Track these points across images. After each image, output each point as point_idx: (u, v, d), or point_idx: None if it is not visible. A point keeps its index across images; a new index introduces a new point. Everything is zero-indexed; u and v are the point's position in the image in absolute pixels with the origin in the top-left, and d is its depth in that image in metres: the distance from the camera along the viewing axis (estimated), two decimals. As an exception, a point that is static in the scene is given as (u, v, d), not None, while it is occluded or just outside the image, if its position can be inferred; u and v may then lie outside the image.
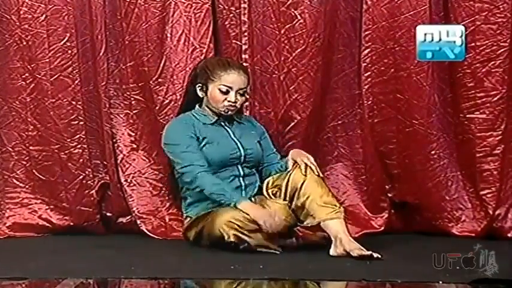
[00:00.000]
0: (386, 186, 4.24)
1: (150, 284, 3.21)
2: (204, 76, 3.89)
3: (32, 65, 4.21)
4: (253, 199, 3.87)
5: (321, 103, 4.20)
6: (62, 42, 4.20)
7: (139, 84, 4.26)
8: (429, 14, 4.04)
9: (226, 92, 3.84)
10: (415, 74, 4.08)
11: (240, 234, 3.62)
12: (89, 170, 4.28)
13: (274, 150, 4.05)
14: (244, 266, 3.37)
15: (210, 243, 3.77)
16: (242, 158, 3.91)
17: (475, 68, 4.07)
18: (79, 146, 4.26)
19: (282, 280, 3.19)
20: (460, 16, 4.05)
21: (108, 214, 4.35)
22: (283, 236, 3.74)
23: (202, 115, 3.94)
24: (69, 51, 4.20)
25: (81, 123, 4.25)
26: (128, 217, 4.32)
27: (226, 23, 4.21)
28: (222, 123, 3.95)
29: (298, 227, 3.79)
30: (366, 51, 4.10)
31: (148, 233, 4.22)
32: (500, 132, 4.09)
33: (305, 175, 3.74)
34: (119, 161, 4.28)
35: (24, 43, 4.20)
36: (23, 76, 4.23)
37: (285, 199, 3.76)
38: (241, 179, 3.91)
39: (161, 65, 4.19)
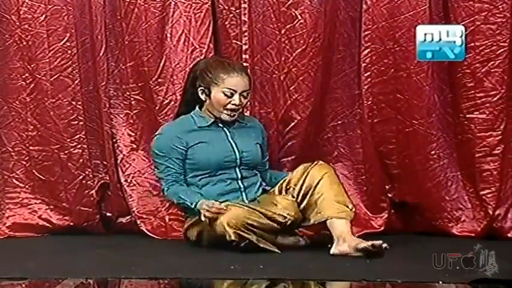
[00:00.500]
0: (386, 186, 4.24)
1: (150, 284, 3.21)
2: (205, 79, 3.89)
3: (32, 65, 4.21)
4: (258, 199, 3.89)
5: (321, 103, 4.20)
6: (62, 43, 4.21)
7: (139, 84, 4.26)
8: (429, 14, 4.04)
9: (231, 95, 3.85)
10: (414, 74, 4.08)
11: (241, 232, 3.62)
12: (89, 170, 4.28)
13: (266, 159, 4.06)
14: (244, 266, 3.37)
15: (210, 243, 3.77)
16: (238, 160, 3.90)
17: (474, 68, 4.07)
18: (79, 146, 4.26)
19: (282, 280, 3.19)
20: (460, 16, 4.05)
21: (108, 214, 4.35)
22: (286, 234, 3.76)
23: (200, 117, 3.93)
24: (69, 51, 4.21)
25: (81, 123, 4.25)
26: (128, 217, 4.32)
27: (226, 23, 4.21)
28: (220, 125, 3.94)
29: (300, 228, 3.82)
30: (366, 52, 4.10)
31: (148, 233, 4.22)
32: (500, 132, 4.09)
33: (323, 173, 3.75)
34: (118, 161, 4.28)
35: (24, 43, 4.20)
36: (23, 76, 4.23)
37: (298, 195, 3.77)
38: (239, 181, 3.91)
39: (161, 65, 4.19)
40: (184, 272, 3.38)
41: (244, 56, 4.16)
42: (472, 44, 4.02)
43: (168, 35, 4.18)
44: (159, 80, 4.20)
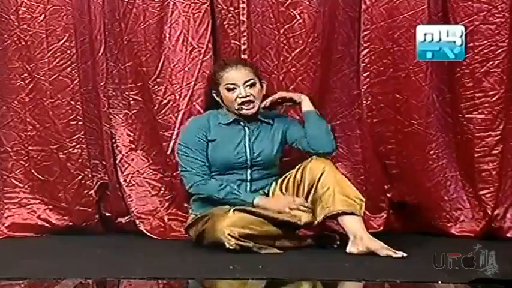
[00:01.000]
0: (385, 186, 4.25)
1: (149, 284, 3.21)
2: (213, 82, 3.97)
3: (31, 65, 4.21)
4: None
5: (320, 103, 4.19)
6: (61, 43, 4.20)
7: (138, 84, 4.26)
8: (428, 14, 4.04)
9: (234, 89, 3.87)
10: (413, 74, 4.08)
11: (243, 243, 3.62)
12: (88, 170, 4.28)
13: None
14: (244, 266, 3.37)
15: (210, 242, 3.75)
16: (249, 162, 3.91)
17: (473, 68, 4.07)
18: (78, 146, 4.26)
19: (282, 280, 3.19)
20: (459, 16, 4.05)
21: (107, 214, 4.35)
22: (288, 237, 3.76)
23: (224, 115, 3.95)
24: (68, 51, 4.21)
25: (80, 123, 4.25)
26: (127, 217, 4.32)
27: (225, 23, 4.21)
28: (242, 124, 3.95)
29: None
30: (365, 52, 4.10)
31: (147, 233, 4.22)
32: (498, 132, 4.09)
33: (323, 166, 3.75)
34: (117, 161, 4.28)
35: (23, 43, 4.20)
36: (22, 76, 4.23)
37: (302, 192, 3.77)
38: (248, 183, 3.91)
39: (160, 65, 4.19)
40: (184, 272, 3.38)
41: (243, 56, 4.17)
42: (471, 44, 4.02)
43: (167, 35, 4.17)
44: (158, 80, 4.20)
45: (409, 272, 3.28)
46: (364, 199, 3.73)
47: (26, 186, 4.31)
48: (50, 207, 4.30)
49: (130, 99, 4.28)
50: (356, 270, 3.32)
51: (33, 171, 4.28)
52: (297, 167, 3.85)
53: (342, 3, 4.16)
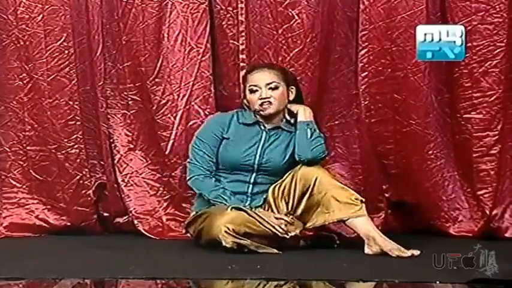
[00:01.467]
0: (384, 186, 4.25)
1: (148, 284, 3.20)
2: (243, 86, 3.98)
3: (29, 65, 4.21)
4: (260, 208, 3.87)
5: (318, 103, 4.20)
6: (59, 42, 4.20)
7: (137, 84, 4.26)
8: (426, 14, 4.05)
9: (256, 91, 3.88)
10: (412, 74, 4.08)
11: (239, 241, 3.62)
12: (86, 170, 4.28)
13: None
14: (243, 266, 3.37)
15: (207, 242, 3.76)
16: (255, 166, 3.90)
17: (471, 68, 4.07)
18: (76, 146, 4.26)
19: (281, 280, 3.19)
20: (457, 16, 4.05)
21: (105, 214, 4.35)
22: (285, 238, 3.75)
23: (247, 115, 3.95)
24: (66, 51, 4.21)
25: (78, 123, 4.25)
26: (125, 217, 4.32)
27: (224, 23, 4.21)
28: (262, 127, 3.95)
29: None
30: (363, 52, 4.10)
31: (145, 233, 4.22)
32: (496, 132, 4.10)
33: (316, 171, 3.75)
34: (116, 161, 4.28)
35: (22, 43, 4.20)
36: (20, 76, 4.23)
37: (293, 199, 3.77)
38: (250, 185, 3.91)
39: (158, 65, 4.20)
40: (182, 272, 3.37)
41: (241, 56, 4.17)
42: (469, 44, 4.02)
43: (165, 35, 4.18)
44: (156, 80, 4.20)
45: (407, 272, 3.27)
46: (363, 199, 3.73)
47: (24, 186, 4.31)
48: (48, 207, 4.30)
49: (129, 99, 4.28)
50: (355, 270, 3.32)
51: (31, 171, 4.28)
52: (288, 174, 3.84)
53: (340, 3, 4.16)
